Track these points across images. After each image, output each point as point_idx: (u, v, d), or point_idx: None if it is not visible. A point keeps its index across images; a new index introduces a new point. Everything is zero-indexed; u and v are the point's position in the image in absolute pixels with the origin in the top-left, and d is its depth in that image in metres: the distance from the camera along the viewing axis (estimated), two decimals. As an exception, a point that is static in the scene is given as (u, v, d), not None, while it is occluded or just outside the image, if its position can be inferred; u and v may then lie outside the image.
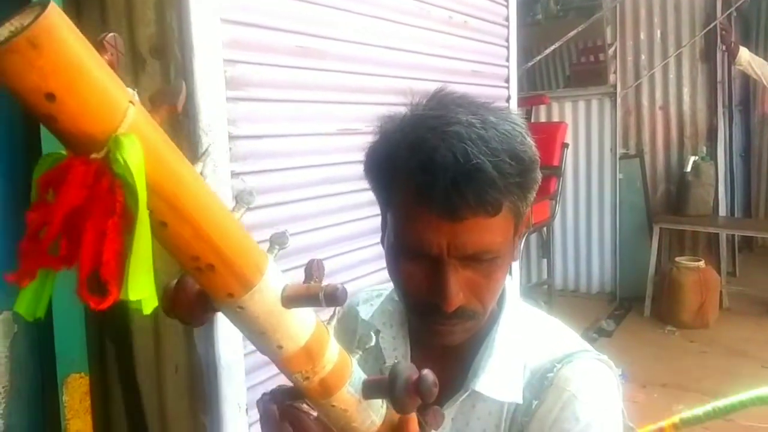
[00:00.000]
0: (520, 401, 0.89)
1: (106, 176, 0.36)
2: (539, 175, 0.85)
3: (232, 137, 1.71)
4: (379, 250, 0.95)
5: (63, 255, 0.37)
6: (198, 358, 1.72)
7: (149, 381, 1.80)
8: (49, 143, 1.61)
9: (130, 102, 0.37)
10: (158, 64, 1.62)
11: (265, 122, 1.83)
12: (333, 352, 0.54)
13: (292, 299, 0.48)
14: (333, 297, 0.48)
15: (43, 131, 1.61)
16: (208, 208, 0.43)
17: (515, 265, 3.09)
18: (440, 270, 0.80)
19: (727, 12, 5.64)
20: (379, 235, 0.96)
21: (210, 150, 0.47)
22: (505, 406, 0.91)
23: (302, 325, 0.51)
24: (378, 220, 0.96)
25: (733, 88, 6.32)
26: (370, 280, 2.17)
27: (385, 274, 0.95)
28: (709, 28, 5.69)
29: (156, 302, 0.39)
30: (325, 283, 0.51)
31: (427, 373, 0.55)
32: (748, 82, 6.87)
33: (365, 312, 1.06)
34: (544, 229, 5.06)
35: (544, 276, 5.69)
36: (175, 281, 0.51)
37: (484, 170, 0.75)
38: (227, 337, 1.71)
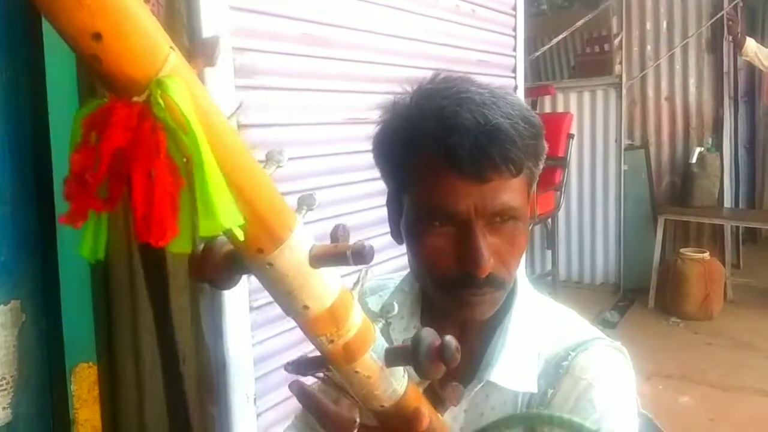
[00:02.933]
0: (535, 390, 0.89)
1: (149, 118, 0.37)
2: (546, 145, 0.88)
3: (241, 126, 1.71)
4: (388, 240, 0.95)
5: (109, 197, 0.38)
6: (206, 349, 1.71)
7: (155, 370, 1.80)
8: (58, 140, 1.61)
9: (172, 48, 0.38)
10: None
11: (273, 111, 1.82)
12: (357, 316, 0.54)
13: (320, 258, 0.49)
14: (360, 255, 0.48)
15: (52, 129, 1.60)
16: (242, 161, 0.43)
17: (521, 256, 3.09)
18: (470, 235, 0.81)
19: (734, 2, 5.60)
20: (387, 225, 0.95)
21: (243, 105, 0.47)
22: (519, 396, 0.91)
23: (328, 287, 0.51)
24: (385, 211, 0.95)
25: (739, 79, 6.29)
26: (380, 270, 2.16)
27: (394, 265, 0.95)
28: (715, 18, 5.66)
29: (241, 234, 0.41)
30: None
31: (450, 339, 0.55)
32: (753, 73, 6.84)
33: (374, 303, 1.05)
34: (549, 220, 5.05)
35: (549, 267, 5.68)
36: (202, 245, 0.51)
37: (504, 130, 0.78)
38: (235, 328, 1.70)
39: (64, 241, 1.63)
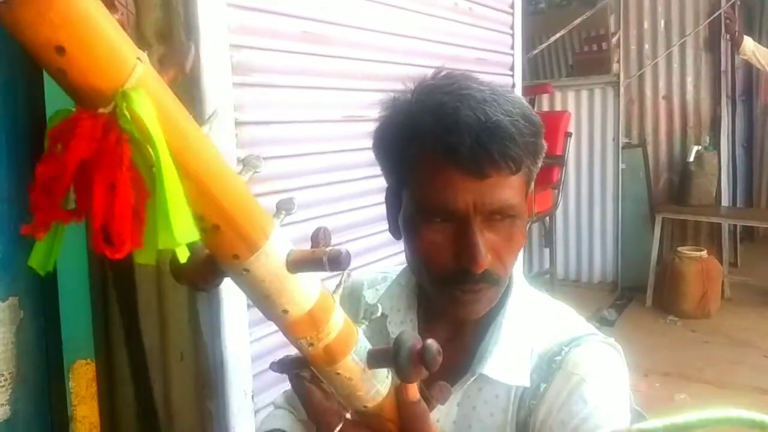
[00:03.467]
0: (528, 384, 0.90)
1: (114, 130, 0.37)
2: (545, 144, 0.89)
3: (238, 123, 1.71)
4: (386, 237, 0.95)
5: (76, 209, 0.38)
6: (204, 345, 1.72)
7: (155, 368, 1.81)
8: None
9: (138, 59, 0.38)
10: (163, 49, 1.61)
11: (271, 108, 1.82)
12: (338, 319, 0.55)
13: (297, 263, 0.49)
14: (336, 261, 0.48)
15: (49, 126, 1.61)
16: (213, 168, 0.43)
17: (519, 254, 3.09)
18: (467, 231, 0.82)
19: (732, 1, 5.61)
20: (385, 222, 0.96)
21: (218, 113, 0.47)
22: (512, 390, 0.91)
23: (307, 291, 0.51)
24: (384, 208, 0.95)
25: (737, 78, 6.30)
26: (376, 268, 2.16)
27: (390, 262, 0.95)
28: (713, 17, 5.66)
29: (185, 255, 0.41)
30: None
31: (431, 343, 0.55)
32: (751, 72, 6.85)
33: (371, 296, 1.06)
34: (547, 218, 5.06)
35: (546, 265, 5.68)
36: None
37: (504, 127, 0.79)
38: (233, 325, 1.71)
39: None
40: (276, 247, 0.48)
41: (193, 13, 1.57)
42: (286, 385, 1.93)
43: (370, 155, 2.04)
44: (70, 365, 1.66)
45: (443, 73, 0.89)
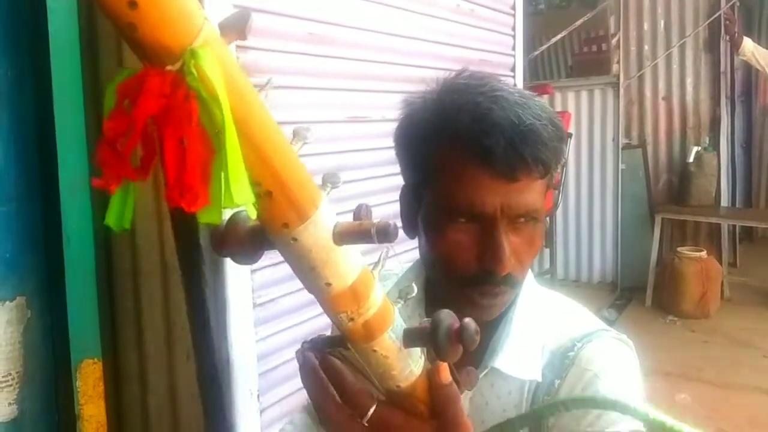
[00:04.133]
0: (539, 379, 0.90)
1: (182, 87, 0.37)
2: (566, 148, 0.88)
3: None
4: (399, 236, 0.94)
5: (141, 166, 0.39)
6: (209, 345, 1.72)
7: (161, 368, 1.81)
8: (63, 137, 1.62)
9: (205, 19, 0.38)
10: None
11: (276, 109, 1.83)
12: (378, 296, 0.54)
13: (344, 235, 0.48)
14: (385, 233, 0.48)
15: (57, 127, 1.61)
16: (272, 134, 0.43)
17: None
18: (493, 233, 0.81)
19: (731, 2, 5.63)
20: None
21: (272, 81, 0.47)
22: (525, 386, 0.91)
23: (350, 265, 0.51)
24: (391, 207, 0.95)
25: (736, 78, 6.31)
26: (389, 263, 2.17)
27: (396, 261, 0.95)
28: (712, 18, 5.68)
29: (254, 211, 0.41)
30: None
31: (469, 321, 0.55)
32: (750, 72, 6.87)
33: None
34: (547, 218, 5.05)
35: (546, 265, 5.70)
36: (226, 219, 0.52)
37: (536, 131, 0.79)
38: (239, 324, 1.71)
39: (69, 237, 1.65)
40: (324, 217, 0.48)
41: (200, 14, 1.58)
42: (293, 385, 1.93)
43: (377, 155, 2.06)
44: (77, 364, 1.67)
45: (468, 73, 0.88)
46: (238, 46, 1.69)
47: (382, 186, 2.07)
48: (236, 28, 0.43)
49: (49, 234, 1.66)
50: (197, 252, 1.58)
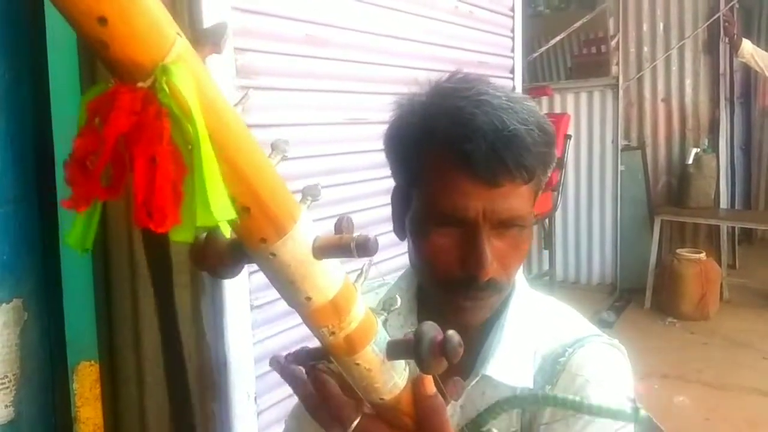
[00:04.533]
0: (531, 386, 0.89)
1: (153, 104, 0.36)
2: (556, 153, 0.88)
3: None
4: (389, 239, 0.94)
5: (111, 184, 0.38)
6: (207, 347, 1.72)
7: (158, 370, 1.81)
8: (60, 139, 1.61)
9: (178, 34, 0.37)
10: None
11: (274, 111, 1.83)
12: (359, 309, 0.54)
13: (324, 249, 0.48)
14: (365, 247, 0.48)
15: (55, 128, 1.61)
16: (247, 149, 0.43)
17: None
18: (475, 238, 0.81)
19: (730, 4, 5.63)
20: (390, 225, 0.95)
21: (249, 95, 0.46)
22: (516, 393, 0.90)
23: (331, 279, 0.51)
24: (387, 210, 0.95)
25: (735, 80, 6.31)
26: (376, 270, 2.17)
27: (391, 265, 0.95)
28: (711, 20, 5.68)
29: (228, 229, 0.41)
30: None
31: (452, 334, 0.55)
32: (749, 74, 6.86)
33: (370, 300, 1.05)
34: (546, 220, 5.07)
35: (546, 267, 5.69)
36: (205, 233, 0.51)
37: (520, 136, 0.78)
38: (236, 327, 1.71)
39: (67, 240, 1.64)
40: (303, 232, 0.48)
41: (198, 16, 1.58)
42: (289, 389, 1.93)
43: (373, 158, 2.06)
44: (74, 367, 1.66)
45: (459, 77, 0.88)
46: (235, 49, 1.70)
47: (378, 188, 2.06)
48: (212, 41, 0.42)
49: (46, 236, 1.66)
50: (168, 270, 1.58)
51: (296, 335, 1.89)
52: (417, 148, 0.85)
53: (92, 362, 1.68)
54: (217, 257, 0.51)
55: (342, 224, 0.53)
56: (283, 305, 1.89)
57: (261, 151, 0.45)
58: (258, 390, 1.80)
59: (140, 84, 0.37)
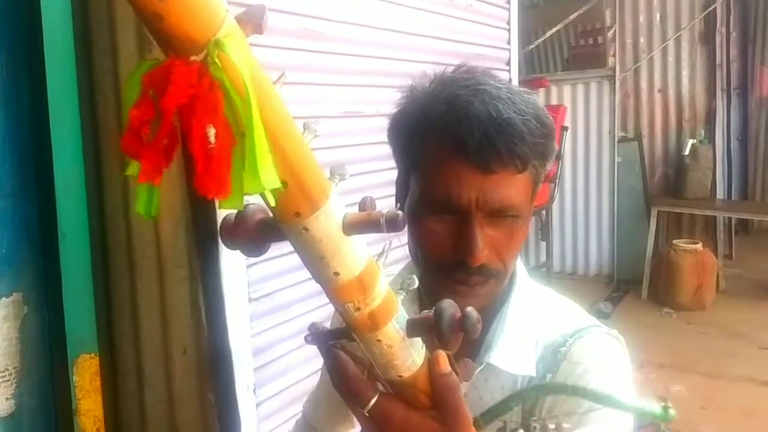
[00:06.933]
0: (534, 374, 0.91)
1: (206, 76, 0.38)
2: (556, 147, 0.89)
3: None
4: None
5: (164, 153, 0.40)
6: (206, 339, 1.73)
7: (157, 362, 1.82)
8: (58, 133, 1.62)
9: (227, 11, 0.39)
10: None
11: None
12: (382, 286, 0.55)
13: (354, 225, 0.50)
14: (394, 222, 0.49)
15: (52, 122, 1.62)
16: (287, 126, 0.44)
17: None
18: (467, 224, 0.82)
19: (726, -6, 5.64)
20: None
21: (285, 75, 0.48)
22: (518, 381, 0.92)
23: (358, 255, 0.52)
24: (387, 203, 0.97)
25: (732, 71, 6.32)
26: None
27: (390, 258, 0.95)
28: (708, 10, 5.68)
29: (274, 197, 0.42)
30: None
31: (471, 310, 0.57)
32: (746, 65, 6.88)
33: None
34: (543, 212, 5.08)
35: (543, 259, 5.71)
36: (235, 211, 0.53)
37: (514, 125, 0.80)
38: (235, 319, 1.72)
39: (65, 233, 1.65)
40: (334, 208, 0.49)
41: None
42: (289, 379, 1.94)
43: (371, 150, 2.07)
44: (74, 359, 1.68)
45: (464, 68, 0.90)
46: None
47: (377, 181, 2.07)
48: (253, 21, 0.43)
49: (45, 230, 1.67)
50: (215, 242, 1.60)
51: (294, 327, 1.91)
52: (415, 135, 0.87)
53: (92, 355, 1.69)
54: (246, 235, 0.53)
55: (366, 203, 0.53)
56: (281, 297, 1.90)
57: (297, 128, 0.46)
58: (257, 381, 1.82)
59: (193, 57, 0.38)
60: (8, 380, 1.62)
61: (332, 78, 2.06)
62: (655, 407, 0.69)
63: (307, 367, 1.94)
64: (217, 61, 0.37)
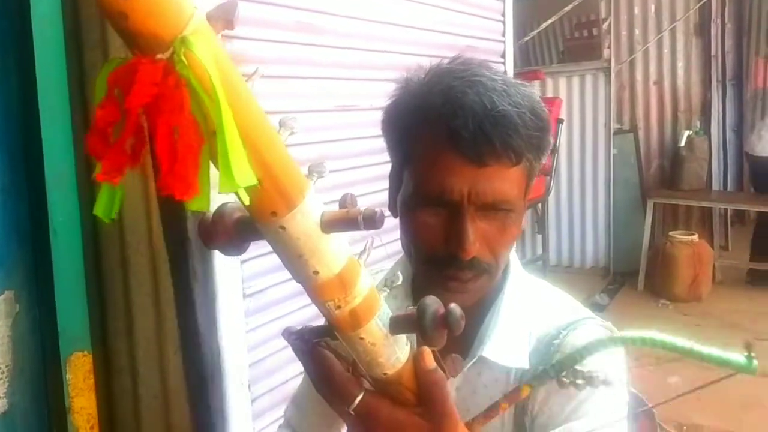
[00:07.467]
0: (527, 366, 0.91)
1: (173, 75, 0.37)
2: (551, 140, 0.89)
3: (231, 114, 1.70)
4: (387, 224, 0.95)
5: (132, 153, 0.39)
6: (200, 336, 1.72)
7: (150, 360, 1.81)
8: (48, 130, 1.60)
9: (195, 7, 0.38)
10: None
11: (263, 99, 1.81)
12: (364, 284, 0.55)
13: (331, 223, 0.49)
14: (371, 220, 0.49)
15: (43, 120, 1.60)
16: (260, 123, 0.44)
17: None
18: (459, 218, 0.82)
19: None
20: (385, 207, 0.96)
21: (260, 71, 0.47)
22: (511, 373, 0.92)
23: (338, 253, 0.52)
24: (380, 197, 0.96)
25: (727, 62, 6.31)
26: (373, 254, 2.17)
27: (382, 253, 0.95)
28: (703, 1, 5.67)
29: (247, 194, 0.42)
30: None
31: (454, 307, 0.56)
32: (741, 56, 6.87)
33: None
34: (539, 204, 5.08)
35: (539, 251, 5.71)
36: (212, 211, 0.52)
37: (509, 117, 0.79)
38: (229, 315, 1.71)
39: (57, 231, 1.64)
40: (311, 206, 0.48)
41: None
42: (283, 375, 1.93)
43: (365, 144, 2.05)
44: (66, 357, 1.67)
45: (460, 60, 0.89)
46: (223, 36, 1.68)
47: (370, 175, 2.06)
48: (224, 17, 0.43)
49: (36, 227, 1.65)
50: (186, 244, 1.58)
51: (289, 323, 1.89)
52: (409, 127, 0.87)
53: (85, 353, 1.68)
54: (225, 234, 0.53)
55: (347, 200, 0.53)
56: (275, 293, 1.89)
57: (271, 125, 0.46)
58: (251, 377, 1.81)
59: (159, 56, 0.37)
60: (1, 379, 1.61)
61: (325, 71, 2.04)
62: (738, 357, 0.68)
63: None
64: (183, 59, 0.37)
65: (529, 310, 0.96)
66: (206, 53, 0.37)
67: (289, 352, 1.89)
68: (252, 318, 1.81)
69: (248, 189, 0.43)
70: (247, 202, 0.43)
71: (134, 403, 1.84)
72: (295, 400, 1.19)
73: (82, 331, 1.68)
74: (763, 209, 5.34)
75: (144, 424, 1.85)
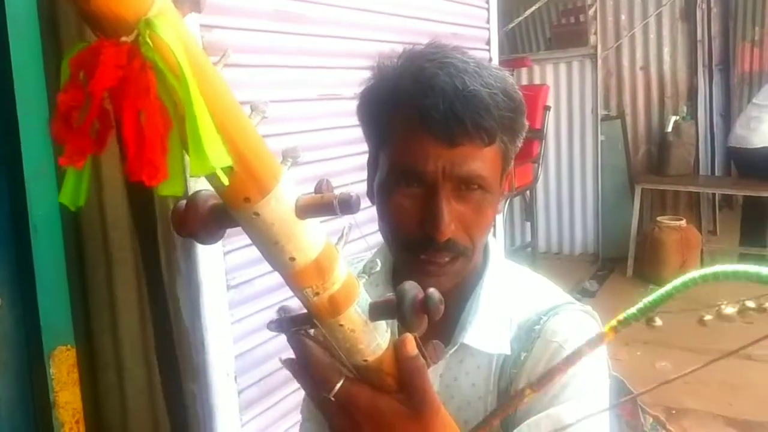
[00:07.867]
0: (508, 352, 0.91)
1: (138, 57, 0.37)
2: (526, 123, 0.89)
3: (211, 105, 1.69)
4: (362, 216, 0.94)
5: (97, 138, 0.39)
6: (185, 328, 1.72)
7: (136, 355, 1.81)
8: (27, 127, 1.58)
9: None
10: None
11: (244, 89, 1.81)
12: (342, 270, 0.55)
13: (307, 208, 0.49)
14: (347, 204, 0.48)
15: (20, 117, 1.58)
16: (229, 107, 0.43)
17: (498, 229, 3.11)
18: (434, 198, 0.83)
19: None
20: (366, 203, 0.96)
21: (229, 53, 0.47)
22: (493, 360, 0.92)
23: (314, 239, 0.51)
24: (362, 186, 0.96)
25: (713, 47, 6.33)
26: (353, 247, 2.17)
27: (362, 245, 0.95)
28: (689, -14, 5.67)
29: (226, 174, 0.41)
30: None
31: (433, 291, 0.56)
32: (727, 41, 6.88)
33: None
34: (527, 192, 5.08)
35: (528, 239, 5.72)
36: (185, 199, 0.52)
37: (480, 98, 0.80)
38: (213, 307, 1.71)
39: (36, 226, 1.62)
40: (285, 191, 0.48)
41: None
42: (270, 366, 1.93)
43: (347, 134, 2.04)
44: (50, 352, 1.65)
45: (435, 43, 0.90)
46: (202, 26, 1.67)
47: (353, 164, 2.05)
48: (190, 0, 0.42)
49: (17, 223, 1.64)
50: (154, 232, 1.58)
51: (274, 313, 1.89)
52: (381, 110, 0.87)
53: (68, 347, 1.67)
54: (198, 222, 0.52)
55: (322, 186, 0.53)
56: (259, 284, 1.88)
57: (242, 109, 0.45)
58: (237, 369, 1.80)
59: (124, 38, 0.37)
60: (-16, 375, 1.60)
61: (305, 60, 2.03)
62: None
63: (289, 354, 1.93)
64: (148, 41, 0.36)
65: (510, 297, 0.96)
66: (172, 35, 0.37)
67: (276, 343, 1.88)
68: (237, 309, 1.80)
69: (224, 170, 0.42)
70: (226, 182, 0.42)
71: (120, 399, 1.83)
72: (310, 414, 1.17)
73: (65, 326, 1.67)
74: (749, 193, 5.35)
75: (130, 419, 1.85)
